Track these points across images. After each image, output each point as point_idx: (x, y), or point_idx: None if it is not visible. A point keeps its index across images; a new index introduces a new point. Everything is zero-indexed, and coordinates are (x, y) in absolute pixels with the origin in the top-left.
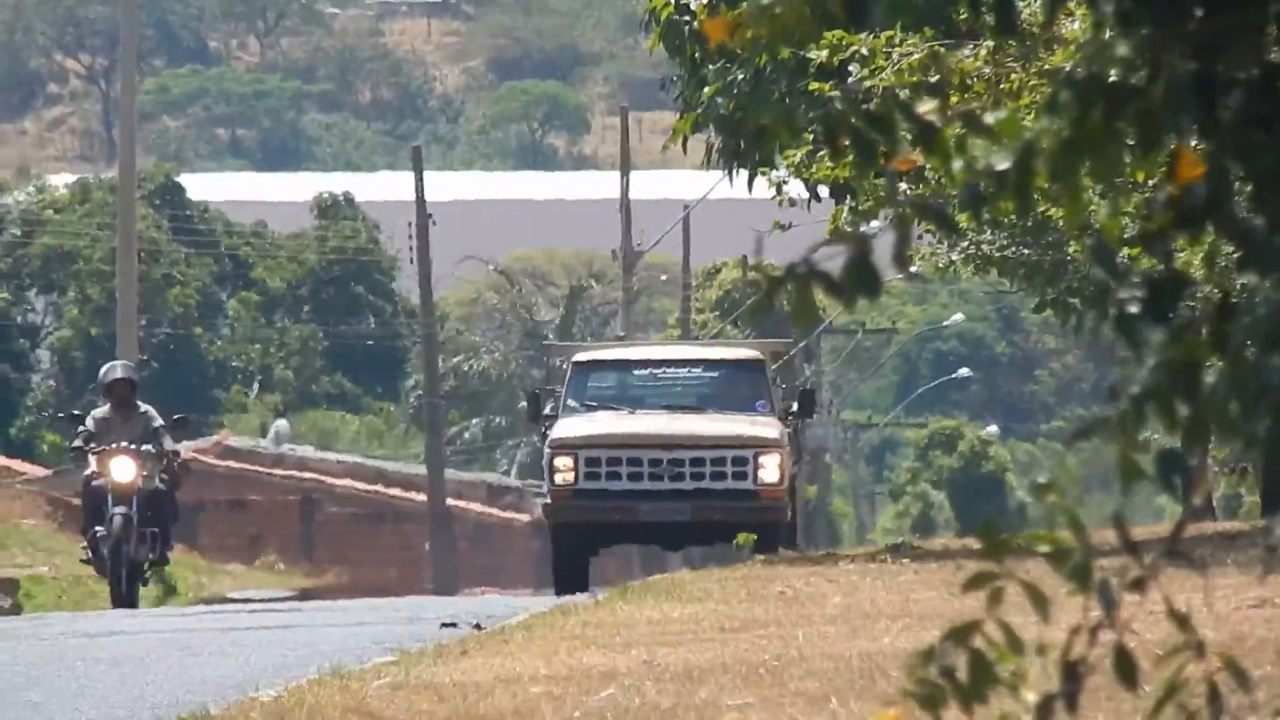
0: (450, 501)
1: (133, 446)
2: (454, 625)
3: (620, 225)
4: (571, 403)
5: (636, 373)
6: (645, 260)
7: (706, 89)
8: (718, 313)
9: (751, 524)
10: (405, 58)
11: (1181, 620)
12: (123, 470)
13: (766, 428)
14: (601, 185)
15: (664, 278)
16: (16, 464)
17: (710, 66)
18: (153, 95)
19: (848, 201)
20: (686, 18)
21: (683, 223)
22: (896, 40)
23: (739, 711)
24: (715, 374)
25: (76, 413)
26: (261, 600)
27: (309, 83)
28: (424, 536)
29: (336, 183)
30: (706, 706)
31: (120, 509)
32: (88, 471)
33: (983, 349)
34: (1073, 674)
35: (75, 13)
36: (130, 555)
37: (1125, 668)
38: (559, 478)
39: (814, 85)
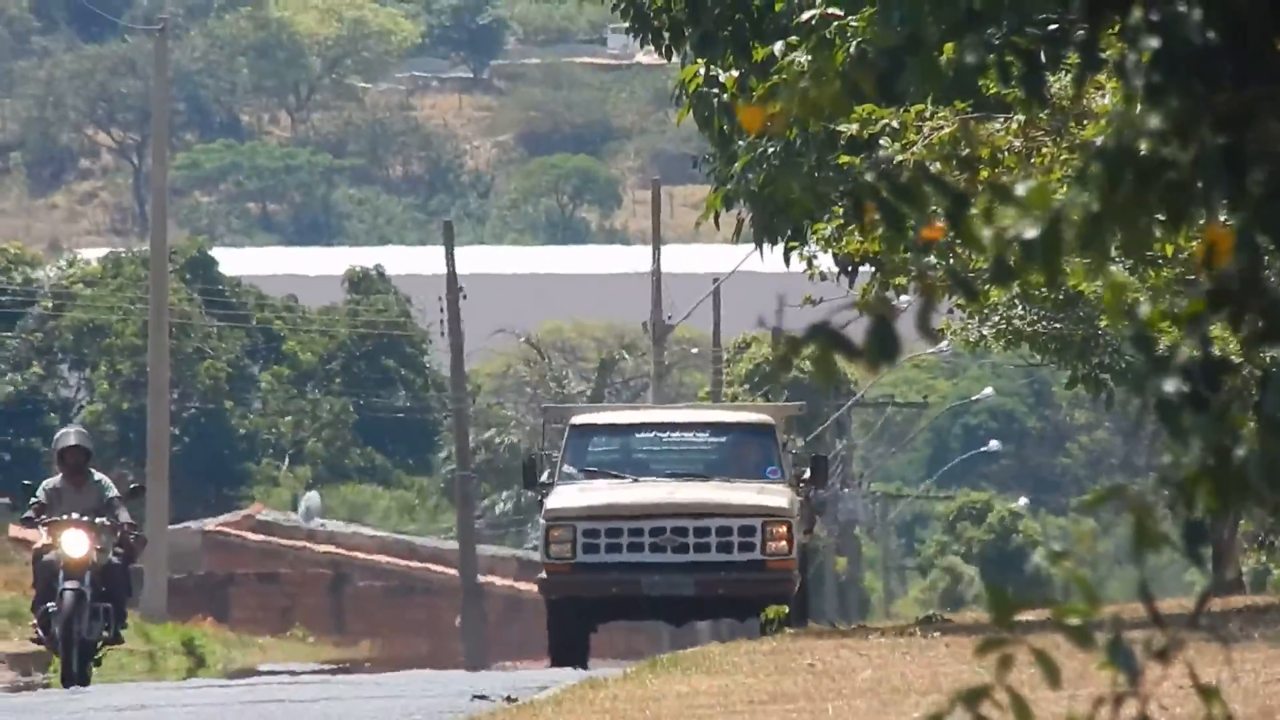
0: (481, 577)
1: (85, 519)
2: (485, 698)
3: (651, 298)
4: (569, 469)
5: (639, 436)
6: (676, 333)
7: (736, 163)
8: (748, 386)
9: (759, 597)
10: (436, 132)
11: (1210, 694)
12: (75, 544)
13: (776, 496)
14: (632, 259)
15: (695, 351)
16: None
17: (740, 141)
18: (184, 170)
19: (877, 277)
20: (716, 90)
21: (713, 296)
22: (927, 114)
23: None
24: (723, 439)
25: (27, 482)
26: (292, 673)
27: (340, 157)
28: (455, 610)
29: (368, 257)
30: None
31: (71, 584)
32: (38, 545)
33: (1013, 423)
34: None
35: (107, 87)
36: (82, 633)
37: None
38: (555, 550)
39: (844, 159)
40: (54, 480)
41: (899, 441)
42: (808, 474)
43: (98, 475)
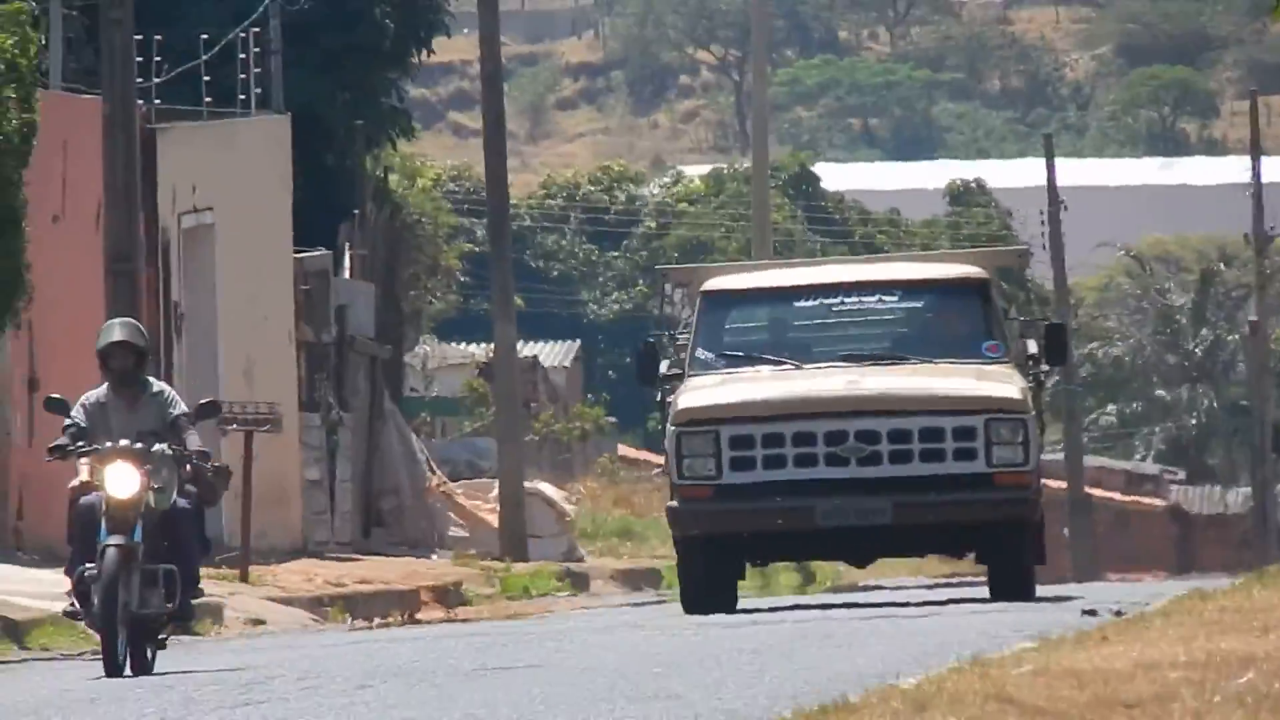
0: (1088, 489)
1: (138, 446)
2: (1094, 613)
3: (1251, 209)
4: (704, 354)
5: (799, 305)
6: (1277, 244)
7: None
8: None
9: (985, 525)
10: (1034, 45)
11: None
12: (122, 482)
13: (1003, 382)
14: (1232, 170)
15: None
16: (654, 456)
17: None
18: (785, 86)
19: None
20: None
21: None
22: None
23: None
24: (918, 303)
25: (56, 396)
26: (896, 589)
27: (938, 71)
28: (1063, 522)
29: (968, 170)
30: None
31: (116, 539)
32: (74, 483)
33: None
34: None
35: (706, 5)
36: (131, 606)
37: None
38: (691, 466)
39: None
40: (97, 393)
41: None
42: (1036, 350)
43: (157, 385)
